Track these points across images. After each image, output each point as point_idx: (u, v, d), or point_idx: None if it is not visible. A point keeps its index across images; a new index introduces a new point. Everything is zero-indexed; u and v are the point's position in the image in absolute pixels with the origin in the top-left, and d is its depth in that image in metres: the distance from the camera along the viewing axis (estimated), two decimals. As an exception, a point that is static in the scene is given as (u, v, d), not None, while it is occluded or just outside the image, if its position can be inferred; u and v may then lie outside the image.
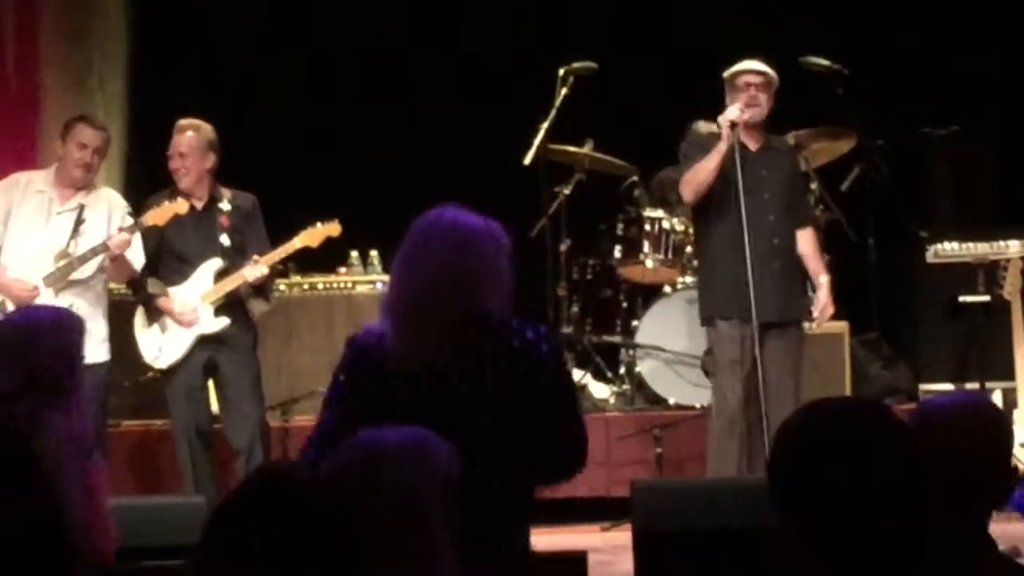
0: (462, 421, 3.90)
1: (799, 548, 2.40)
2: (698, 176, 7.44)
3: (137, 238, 7.55)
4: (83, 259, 7.44)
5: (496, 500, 3.93)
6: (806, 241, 7.66)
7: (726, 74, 7.52)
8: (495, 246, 4.06)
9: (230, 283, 7.62)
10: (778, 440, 2.48)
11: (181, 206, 7.53)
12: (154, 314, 7.70)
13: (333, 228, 7.76)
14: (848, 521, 2.37)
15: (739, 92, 7.47)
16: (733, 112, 7.38)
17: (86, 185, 7.60)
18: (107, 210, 7.62)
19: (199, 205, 7.70)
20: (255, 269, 7.56)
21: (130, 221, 7.50)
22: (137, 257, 7.58)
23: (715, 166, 7.36)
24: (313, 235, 7.72)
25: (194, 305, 7.62)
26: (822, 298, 7.57)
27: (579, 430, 4.06)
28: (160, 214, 7.50)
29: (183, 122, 7.72)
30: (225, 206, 7.71)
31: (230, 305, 7.66)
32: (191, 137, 7.66)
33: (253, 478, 2.36)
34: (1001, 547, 7.14)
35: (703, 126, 7.77)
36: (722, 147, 7.35)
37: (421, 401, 3.96)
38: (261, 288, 7.72)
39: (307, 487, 2.29)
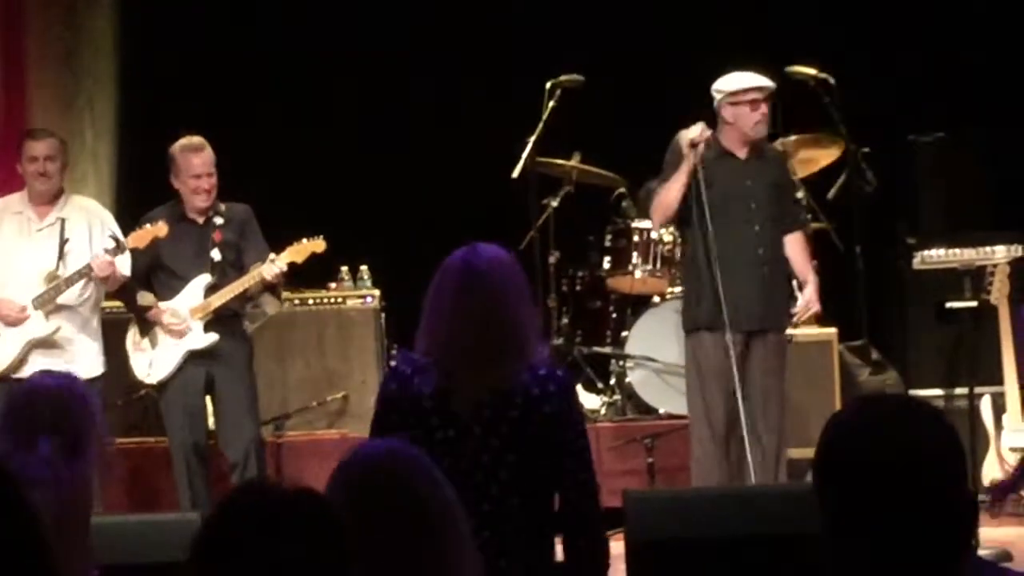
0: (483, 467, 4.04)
1: (837, 557, 2.37)
2: (663, 202, 7.48)
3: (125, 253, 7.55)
4: (70, 281, 7.46)
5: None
6: (794, 245, 7.68)
7: (729, 90, 7.51)
8: (525, 281, 4.11)
9: (241, 284, 7.60)
10: (828, 441, 2.43)
11: (160, 230, 7.51)
12: (146, 327, 7.70)
13: (318, 245, 7.75)
14: (897, 520, 2.34)
15: (742, 107, 7.45)
16: (694, 131, 7.37)
17: (55, 196, 7.61)
18: (87, 220, 7.62)
19: (200, 220, 7.72)
20: (272, 266, 7.55)
21: (112, 244, 7.46)
22: (124, 266, 7.56)
23: (677, 191, 7.40)
24: (298, 251, 7.71)
25: (183, 316, 7.62)
26: (808, 294, 7.60)
27: (592, 482, 4.17)
28: (140, 237, 7.51)
29: (196, 140, 7.68)
30: (219, 220, 7.72)
31: (225, 320, 7.67)
32: (210, 154, 7.66)
33: (236, 492, 2.36)
34: (992, 550, 7.17)
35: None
36: (685, 169, 7.36)
37: (458, 440, 4.04)
38: (274, 287, 7.72)
39: (291, 500, 2.28)
